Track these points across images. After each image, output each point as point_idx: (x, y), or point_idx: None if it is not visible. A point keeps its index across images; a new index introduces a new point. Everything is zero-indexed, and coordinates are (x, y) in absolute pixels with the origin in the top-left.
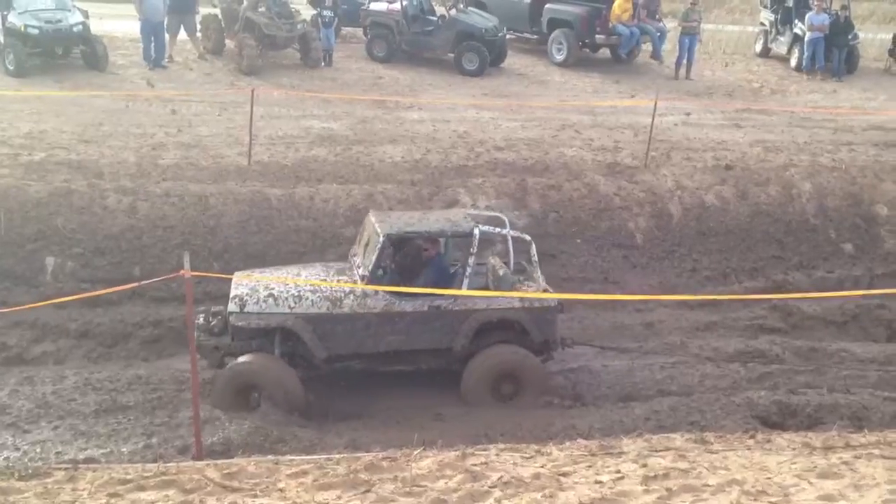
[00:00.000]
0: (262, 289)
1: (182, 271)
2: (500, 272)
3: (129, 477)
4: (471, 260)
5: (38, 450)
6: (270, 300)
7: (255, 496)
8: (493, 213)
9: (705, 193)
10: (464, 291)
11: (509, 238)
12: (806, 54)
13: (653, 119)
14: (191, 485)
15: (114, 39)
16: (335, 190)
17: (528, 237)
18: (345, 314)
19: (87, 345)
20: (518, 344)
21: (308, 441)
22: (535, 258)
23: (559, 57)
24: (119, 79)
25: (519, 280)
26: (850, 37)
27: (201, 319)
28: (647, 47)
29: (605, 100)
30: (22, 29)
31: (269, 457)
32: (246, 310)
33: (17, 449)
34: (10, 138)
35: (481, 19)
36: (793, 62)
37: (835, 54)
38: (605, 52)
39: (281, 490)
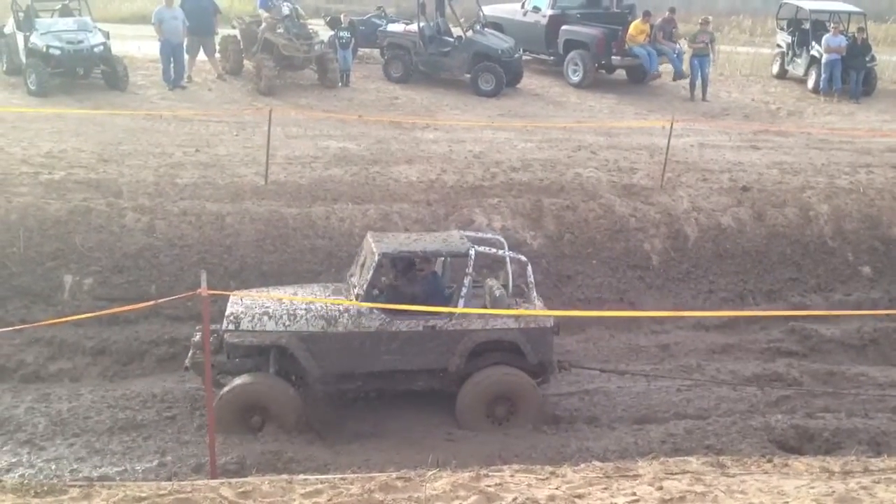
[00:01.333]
0: (257, 307)
1: (199, 290)
2: (497, 293)
3: (143, 495)
4: (466, 280)
5: (54, 467)
6: (265, 318)
7: None
8: (491, 235)
9: (722, 215)
10: (459, 309)
11: (507, 259)
12: (823, 76)
13: (669, 140)
14: (206, 503)
15: (134, 60)
16: (351, 209)
17: (524, 258)
18: (339, 333)
19: (103, 362)
20: (514, 366)
21: (321, 461)
22: (532, 280)
23: (575, 78)
24: (139, 99)
25: (516, 302)
26: (867, 59)
27: (198, 337)
28: (664, 68)
29: (621, 121)
30: (44, 49)
31: (283, 476)
32: (241, 327)
33: (33, 466)
34: (31, 157)
35: (497, 40)
36: (810, 84)
37: (852, 76)
38: (621, 74)
39: None
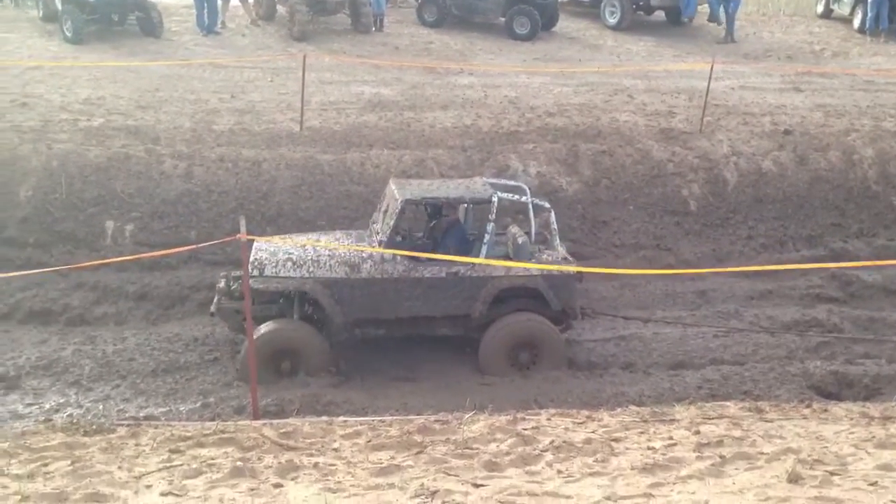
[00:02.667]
0: (281, 253)
1: (239, 235)
2: (520, 240)
3: (189, 434)
4: (489, 227)
5: (101, 407)
6: (289, 264)
7: (311, 455)
8: (514, 182)
9: (762, 159)
10: (479, 259)
11: (530, 206)
12: (870, 15)
13: (709, 83)
14: (249, 443)
15: (168, 6)
16: (386, 155)
17: (547, 205)
18: (363, 279)
19: (145, 306)
20: (537, 312)
21: (359, 404)
22: (555, 227)
23: (612, 20)
24: (174, 45)
25: (538, 249)
26: None
27: (223, 283)
28: (702, 9)
29: (659, 64)
30: None
31: (324, 418)
32: (265, 273)
33: (81, 406)
34: (70, 104)
35: None
36: (856, 23)
37: None
38: (659, 16)
39: (336, 449)
